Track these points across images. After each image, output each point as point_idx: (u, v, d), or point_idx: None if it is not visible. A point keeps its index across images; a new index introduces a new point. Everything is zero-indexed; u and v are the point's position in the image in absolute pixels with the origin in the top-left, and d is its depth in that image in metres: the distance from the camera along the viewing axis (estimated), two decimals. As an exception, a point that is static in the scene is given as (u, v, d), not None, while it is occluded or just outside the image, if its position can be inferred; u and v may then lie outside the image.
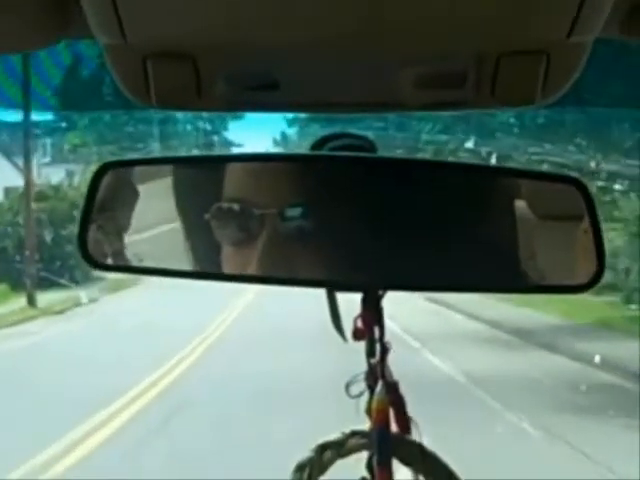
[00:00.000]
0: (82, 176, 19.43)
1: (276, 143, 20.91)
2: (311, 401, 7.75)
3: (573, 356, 11.02)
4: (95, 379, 8.88)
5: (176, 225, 1.19)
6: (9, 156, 18.27)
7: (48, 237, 17.81)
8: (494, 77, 0.96)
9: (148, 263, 1.24)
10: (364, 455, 1.31)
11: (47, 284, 16.40)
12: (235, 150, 21.35)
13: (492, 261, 1.18)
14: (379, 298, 1.27)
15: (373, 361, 1.28)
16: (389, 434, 1.28)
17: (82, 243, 1.18)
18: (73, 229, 17.45)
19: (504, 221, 1.18)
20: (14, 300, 15.60)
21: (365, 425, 1.30)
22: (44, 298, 15.67)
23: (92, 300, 16.53)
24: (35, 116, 15.82)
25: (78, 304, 15.97)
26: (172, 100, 0.99)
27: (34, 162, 18.48)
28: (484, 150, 16.30)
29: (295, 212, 1.12)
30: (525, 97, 0.98)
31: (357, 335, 1.28)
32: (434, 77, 1.00)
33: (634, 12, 0.94)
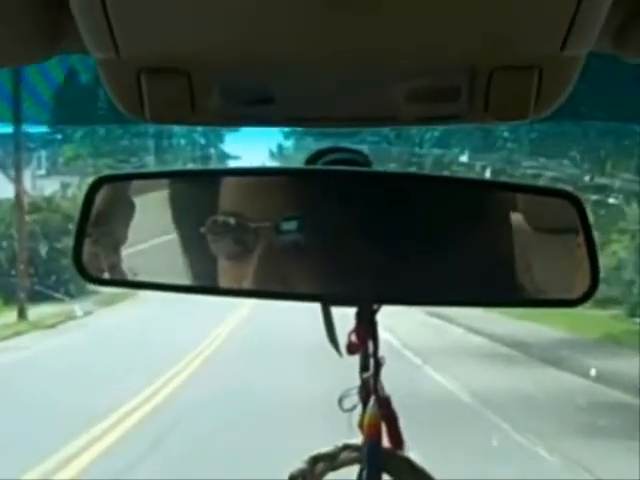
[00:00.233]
0: (78, 188, 19.39)
1: (272, 155, 20.90)
2: (304, 418, 7.62)
3: (581, 373, 10.62)
4: (86, 395, 8.73)
5: (171, 239, 1.19)
6: (2, 168, 18.21)
7: (41, 249, 17.65)
8: (487, 91, 0.97)
9: (143, 277, 1.24)
10: (356, 469, 1.31)
11: (41, 297, 16.17)
12: (232, 162, 21.35)
13: (487, 275, 1.18)
14: (373, 312, 1.27)
15: (366, 375, 1.29)
16: (380, 449, 1.29)
17: (77, 257, 1.19)
18: (67, 241, 17.40)
19: (499, 235, 1.18)
20: (6, 314, 15.33)
21: (358, 439, 1.30)
22: (36, 312, 15.43)
23: (85, 314, 16.30)
24: (30, 128, 15.80)
25: (71, 318, 15.76)
26: (166, 115, 0.99)
27: (29, 174, 18.44)
28: (478, 164, 16.33)
29: (290, 226, 1.12)
30: (518, 111, 0.99)
31: (351, 349, 1.28)
32: (428, 91, 1.01)
33: (626, 26, 0.94)
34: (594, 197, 14.09)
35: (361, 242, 1.16)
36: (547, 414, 8.54)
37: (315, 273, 1.17)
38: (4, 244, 17.47)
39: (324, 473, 1.33)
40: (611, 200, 15.04)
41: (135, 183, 1.26)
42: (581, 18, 0.83)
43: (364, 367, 1.29)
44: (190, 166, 19.90)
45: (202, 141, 21.24)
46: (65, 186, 20.04)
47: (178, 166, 19.30)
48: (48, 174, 20.10)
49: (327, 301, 1.25)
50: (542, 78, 0.95)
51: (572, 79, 0.98)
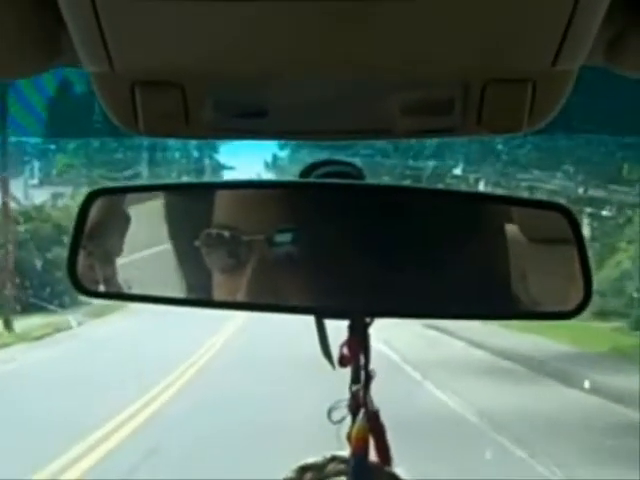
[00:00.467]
0: (71, 199, 19.30)
1: (267, 166, 20.90)
2: (296, 431, 7.42)
3: (592, 390, 10.00)
4: (73, 411, 8.53)
5: (166, 252, 1.20)
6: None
7: (30, 259, 17.48)
8: (480, 105, 0.97)
9: (138, 290, 1.24)
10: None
11: (29, 308, 15.87)
12: (226, 173, 21.35)
13: (481, 288, 1.19)
14: (366, 325, 1.27)
15: (356, 388, 1.29)
16: (367, 462, 1.29)
17: (71, 270, 1.19)
18: (58, 251, 17.28)
19: (493, 248, 1.18)
20: (-9, 325, 14.95)
21: (346, 451, 1.31)
22: (24, 323, 15.11)
23: (75, 326, 15.92)
24: (24, 138, 15.73)
25: (59, 329, 15.42)
26: (160, 128, 1.00)
27: (21, 184, 18.35)
28: (472, 177, 16.37)
29: (283, 238, 1.13)
30: (512, 124, 0.99)
31: (343, 362, 1.28)
32: (421, 104, 1.01)
33: (618, 40, 0.95)
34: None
35: (355, 255, 1.16)
36: (564, 438, 7.87)
37: (308, 286, 1.17)
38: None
39: None
40: (611, 212, 15.05)
41: (130, 196, 1.26)
42: (573, 32, 0.83)
43: (355, 379, 1.29)
44: (184, 176, 19.85)
45: (196, 151, 21.23)
46: (56, 196, 19.93)
47: (172, 176, 19.23)
48: (41, 184, 20.03)
49: (320, 314, 1.25)
50: (535, 91, 0.95)
51: (565, 92, 0.99)
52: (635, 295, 14.16)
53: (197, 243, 1.16)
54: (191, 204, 1.23)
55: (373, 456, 1.30)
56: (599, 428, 8.16)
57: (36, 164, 19.94)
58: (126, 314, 17.25)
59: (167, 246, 1.20)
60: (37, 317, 15.77)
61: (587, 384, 10.17)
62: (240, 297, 1.16)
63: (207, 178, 20.12)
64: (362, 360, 1.29)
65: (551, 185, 15.00)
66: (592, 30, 0.85)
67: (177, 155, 20.65)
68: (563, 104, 1.01)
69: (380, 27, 0.84)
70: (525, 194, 14.32)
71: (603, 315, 13.66)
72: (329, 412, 1.29)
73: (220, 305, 1.21)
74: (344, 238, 1.16)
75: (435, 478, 5.62)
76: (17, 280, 16.19)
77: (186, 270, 1.21)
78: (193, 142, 19.60)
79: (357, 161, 1.32)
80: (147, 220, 1.25)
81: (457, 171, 16.78)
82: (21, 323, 15.16)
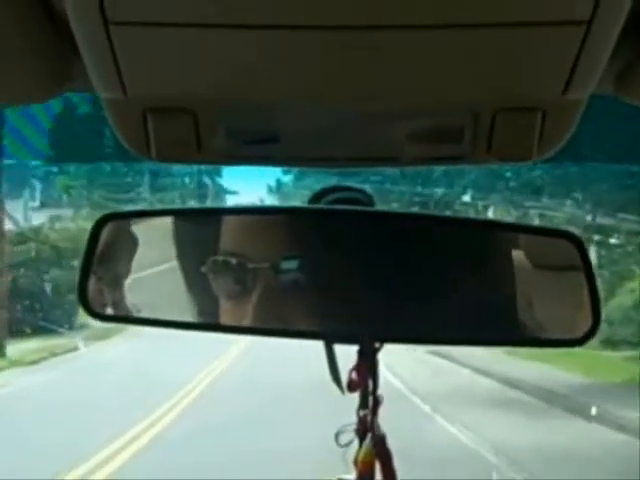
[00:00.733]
0: (71, 221, 19.22)
1: (271, 191, 20.89)
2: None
3: (615, 425, 9.21)
4: (66, 440, 8.23)
5: (174, 276, 1.20)
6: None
7: (27, 281, 17.29)
8: (490, 133, 0.98)
9: (146, 314, 1.25)
10: None
11: (25, 332, 15.61)
12: (230, 198, 21.35)
13: (489, 314, 1.19)
14: (375, 350, 1.28)
15: (364, 413, 1.29)
16: None
17: (82, 293, 1.20)
18: (55, 273, 17.12)
19: (500, 275, 1.19)
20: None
21: (352, 474, 1.31)
22: (19, 348, 14.71)
23: (72, 349, 15.63)
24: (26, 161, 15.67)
25: (55, 354, 15.06)
26: (172, 154, 1.00)
27: (21, 206, 18.27)
28: (481, 204, 16.39)
29: (290, 265, 1.14)
30: (521, 153, 0.99)
31: (352, 386, 1.29)
32: (431, 132, 1.02)
33: (628, 70, 0.95)
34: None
35: (363, 281, 1.17)
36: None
37: (317, 311, 1.18)
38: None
39: None
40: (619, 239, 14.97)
41: (139, 221, 1.27)
42: (583, 62, 0.84)
43: (363, 404, 1.29)
44: (187, 200, 19.82)
45: (199, 176, 21.18)
46: (54, 218, 19.84)
47: (175, 200, 19.19)
48: (42, 206, 19.97)
49: (329, 339, 1.25)
50: (545, 120, 0.96)
51: (575, 121, 0.99)
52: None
53: (204, 269, 1.17)
54: (199, 229, 1.24)
55: None
56: (626, 468, 7.27)
57: (37, 186, 19.92)
58: (127, 337, 16.97)
59: (176, 271, 1.21)
60: (34, 341, 15.44)
61: (608, 418, 9.49)
62: (247, 322, 1.17)
63: (210, 202, 20.08)
64: (370, 385, 1.29)
65: (560, 213, 14.99)
66: (602, 60, 0.85)
67: (180, 179, 20.62)
68: (572, 132, 1.02)
69: (389, 56, 0.84)
70: (535, 221, 14.31)
71: (613, 344, 13.41)
72: (336, 435, 1.30)
73: (228, 329, 1.22)
74: (352, 264, 1.17)
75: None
76: (14, 303, 15.92)
77: (194, 295, 1.22)
78: (196, 166, 19.61)
79: (367, 187, 1.33)
80: (156, 245, 1.26)
81: (466, 198, 16.79)
82: (17, 347, 14.78)
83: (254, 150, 1.07)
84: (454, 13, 0.78)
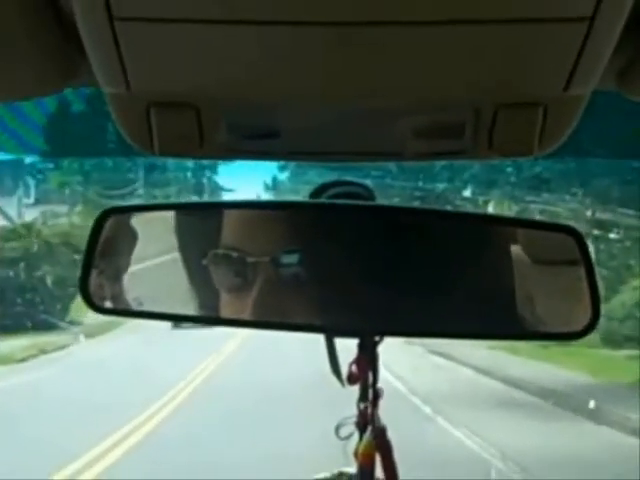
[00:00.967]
0: (67, 217, 19.15)
1: (267, 188, 20.87)
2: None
3: (629, 429, 8.65)
4: (46, 444, 7.94)
5: (176, 270, 1.21)
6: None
7: (19, 277, 17.11)
8: (492, 128, 0.98)
9: (148, 307, 1.26)
10: None
11: (20, 329, 15.42)
12: (225, 194, 21.33)
13: (489, 308, 1.20)
14: (375, 344, 1.28)
15: (364, 405, 1.30)
16: (373, 478, 1.30)
17: (84, 287, 1.21)
18: (46, 269, 16.99)
19: (501, 268, 1.19)
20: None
21: (353, 467, 1.32)
22: (9, 344, 14.49)
23: (63, 347, 15.48)
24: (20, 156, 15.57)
25: (45, 351, 14.85)
26: (174, 148, 1.01)
27: (15, 203, 18.22)
28: (481, 199, 16.39)
29: (290, 259, 1.14)
30: (522, 148, 1.00)
31: (352, 379, 1.30)
32: (432, 128, 1.02)
33: (630, 67, 0.96)
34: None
35: (363, 275, 1.17)
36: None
37: (317, 305, 1.19)
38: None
39: None
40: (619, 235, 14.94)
41: (140, 215, 1.28)
42: (585, 58, 0.84)
43: (363, 397, 1.30)
44: (183, 196, 19.77)
45: (195, 172, 21.11)
46: (46, 214, 19.76)
47: (170, 196, 19.11)
48: (37, 202, 19.91)
49: (330, 332, 1.26)
50: (546, 115, 0.96)
51: (576, 116, 1.00)
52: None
53: (205, 262, 1.18)
54: (200, 224, 1.25)
55: (380, 473, 1.31)
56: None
57: (32, 182, 19.85)
58: (121, 333, 16.68)
59: (177, 264, 1.22)
60: (24, 338, 15.18)
61: (618, 420, 9.01)
62: (248, 315, 1.18)
63: (206, 199, 19.97)
64: (370, 378, 1.30)
65: (559, 208, 14.99)
66: (604, 56, 0.86)
67: (175, 175, 20.54)
68: (574, 128, 1.02)
69: (391, 52, 0.85)
70: (535, 216, 14.29)
71: (614, 342, 13.25)
72: (337, 428, 1.31)
73: (229, 322, 1.23)
74: (352, 258, 1.17)
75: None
76: (5, 299, 15.56)
77: (195, 288, 1.23)
78: (191, 163, 19.53)
79: (368, 182, 1.34)
80: (157, 239, 1.27)
81: (467, 193, 16.79)
82: (4, 344, 14.50)
83: (256, 145, 1.08)
84: (456, 9, 0.78)
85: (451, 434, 8.74)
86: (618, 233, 15.85)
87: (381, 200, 1.36)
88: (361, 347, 1.29)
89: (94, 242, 1.20)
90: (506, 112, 0.96)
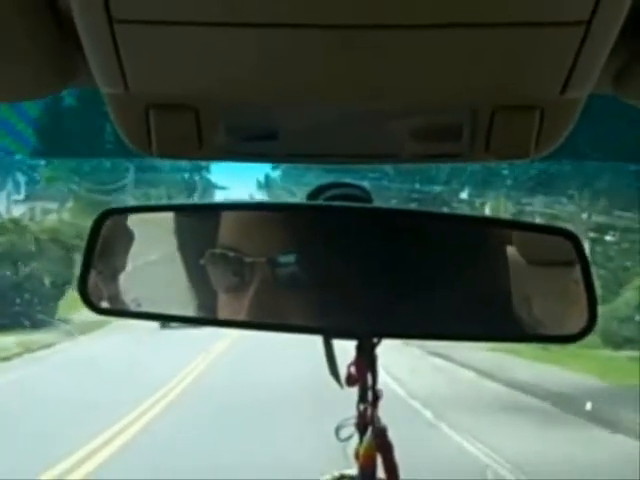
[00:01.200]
0: (57, 214, 19.04)
1: (260, 186, 20.84)
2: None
3: None
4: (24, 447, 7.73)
5: (173, 270, 1.22)
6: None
7: (5, 274, 16.78)
8: (489, 131, 0.99)
9: (146, 308, 1.27)
10: None
11: (6, 327, 15.12)
12: (219, 193, 21.30)
13: (486, 310, 1.20)
14: (374, 345, 1.29)
15: (363, 407, 1.30)
16: (374, 479, 1.30)
17: (83, 288, 1.21)
18: (35, 265, 16.81)
19: (497, 271, 1.20)
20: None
21: (354, 469, 1.32)
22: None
23: (49, 345, 15.15)
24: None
25: (31, 350, 14.53)
26: (173, 150, 1.01)
27: (4, 198, 18.13)
28: (478, 201, 16.40)
29: (287, 260, 1.15)
30: (519, 151, 1.00)
31: (350, 381, 1.30)
32: (430, 130, 1.03)
33: (626, 70, 0.96)
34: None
35: (360, 276, 1.18)
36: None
37: (315, 306, 1.19)
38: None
39: None
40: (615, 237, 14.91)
41: (139, 216, 1.28)
42: (582, 62, 0.85)
43: (362, 399, 1.30)
44: (175, 194, 19.68)
45: (188, 170, 21.02)
46: (34, 210, 19.66)
47: (162, 194, 19.02)
48: (27, 198, 19.81)
49: (328, 334, 1.26)
50: (543, 118, 0.97)
51: (573, 119, 1.00)
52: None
53: (202, 261, 1.18)
54: (198, 225, 1.26)
55: (381, 474, 1.31)
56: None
57: (22, 178, 19.76)
58: (109, 332, 16.28)
59: (175, 265, 1.22)
60: (10, 336, 14.92)
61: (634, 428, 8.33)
62: (245, 316, 1.18)
63: (198, 198, 19.91)
64: (369, 379, 1.30)
65: (556, 210, 14.99)
66: (601, 60, 0.86)
67: (167, 173, 20.42)
68: (570, 131, 1.02)
69: (389, 54, 0.85)
70: (531, 219, 14.28)
71: (617, 343, 13.09)
72: (337, 430, 1.31)
73: (226, 323, 1.23)
74: (350, 260, 1.18)
75: None
76: None
77: (192, 289, 1.23)
78: (184, 161, 19.27)
79: (365, 184, 1.34)
80: (156, 240, 1.27)
81: (463, 195, 16.80)
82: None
83: (255, 147, 1.08)
84: (454, 13, 0.78)
85: (454, 441, 8.33)
86: (614, 235, 15.87)
87: (378, 202, 1.36)
88: (359, 349, 1.29)
89: (93, 243, 1.21)
90: (503, 115, 0.96)
